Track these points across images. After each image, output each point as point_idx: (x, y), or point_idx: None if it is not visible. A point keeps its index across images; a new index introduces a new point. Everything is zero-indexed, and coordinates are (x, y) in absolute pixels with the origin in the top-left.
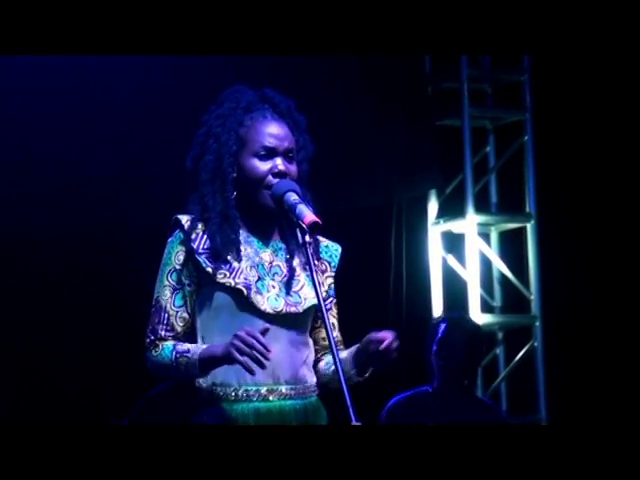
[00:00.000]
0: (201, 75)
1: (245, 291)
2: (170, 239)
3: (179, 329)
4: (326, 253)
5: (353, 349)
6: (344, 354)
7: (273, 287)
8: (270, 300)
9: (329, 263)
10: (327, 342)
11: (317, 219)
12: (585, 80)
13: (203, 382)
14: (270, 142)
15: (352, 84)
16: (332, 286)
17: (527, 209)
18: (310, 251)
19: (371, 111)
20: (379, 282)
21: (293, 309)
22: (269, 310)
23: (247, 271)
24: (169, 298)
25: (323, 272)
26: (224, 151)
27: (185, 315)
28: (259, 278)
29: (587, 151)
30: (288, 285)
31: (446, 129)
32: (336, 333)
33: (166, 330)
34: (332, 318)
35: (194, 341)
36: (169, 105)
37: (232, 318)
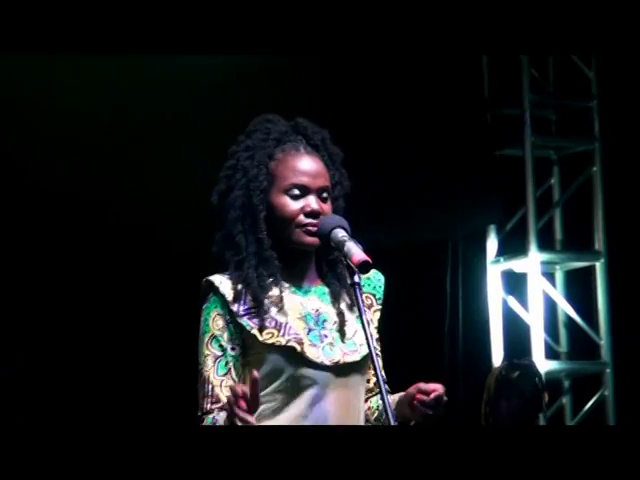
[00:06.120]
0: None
1: (298, 347)
2: (205, 305)
3: (225, 399)
4: (369, 286)
5: (396, 397)
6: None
7: (325, 336)
8: (325, 351)
9: (374, 296)
10: (372, 385)
11: (367, 257)
12: None
13: None
14: (302, 180)
15: (408, 114)
16: (379, 321)
17: (596, 246)
18: (359, 293)
19: (426, 141)
20: (434, 326)
21: (350, 358)
22: (326, 362)
23: (295, 324)
24: (211, 368)
25: (369, 307)
26: (253, 186)
27: (230, 383)
28: (310, 330)
29: None
30: (341, 332)
31: (507, 159)
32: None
33: (211, 402)
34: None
35: None
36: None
37: (288, 378)
